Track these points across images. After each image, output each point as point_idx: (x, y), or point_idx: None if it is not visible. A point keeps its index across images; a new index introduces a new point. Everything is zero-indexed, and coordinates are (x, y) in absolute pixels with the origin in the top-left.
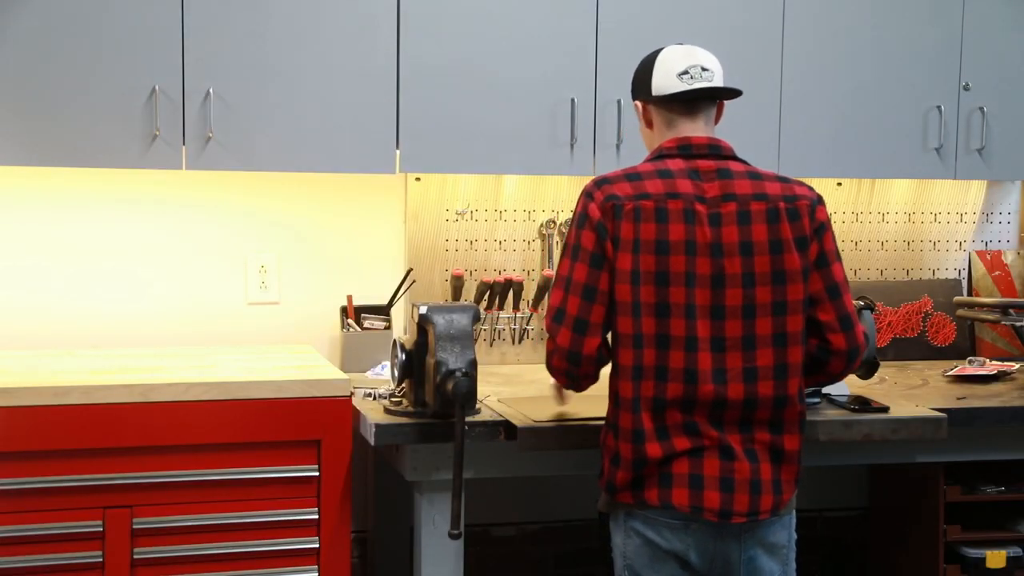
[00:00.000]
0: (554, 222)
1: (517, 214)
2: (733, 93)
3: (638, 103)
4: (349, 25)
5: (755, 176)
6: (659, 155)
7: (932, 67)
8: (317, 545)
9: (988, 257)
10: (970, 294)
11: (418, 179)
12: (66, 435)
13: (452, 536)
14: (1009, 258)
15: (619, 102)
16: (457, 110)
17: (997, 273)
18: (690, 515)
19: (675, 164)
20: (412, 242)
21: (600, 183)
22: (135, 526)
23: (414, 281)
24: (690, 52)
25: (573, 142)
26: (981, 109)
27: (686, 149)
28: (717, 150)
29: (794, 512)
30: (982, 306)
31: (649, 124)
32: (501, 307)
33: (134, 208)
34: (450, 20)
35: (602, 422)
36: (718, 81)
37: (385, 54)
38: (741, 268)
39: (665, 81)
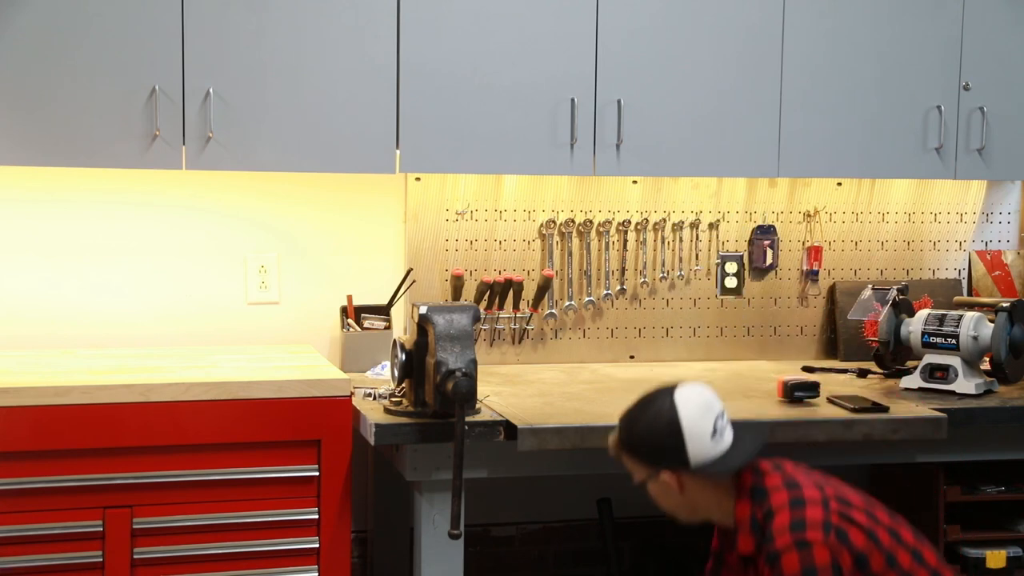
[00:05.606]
0: (554, 222)
1: (517, 214)
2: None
3: (666, 473)
4: (349, 25)
5: None
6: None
7: (932, 67)
8: (317, 545)
9: (988, 257)
10: (970, 294)
11: (418, 179)
12: (66, 435)
13: (452, 536)
14: (1009, 258)
15: (619, 102)
16: (457, 110)
17: (997, 273)
18: None
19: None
20: (412, 242)
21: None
22: (135, 526)
23: (414, 281)
24: (705, 402)
25: (573, 142)
26: (981, 109)
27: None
28: None
29: None
30: (982, 306)
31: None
32: (501, 307)
33: (134, 208)
34: (450, 20)
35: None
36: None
37: (385, 54)
38: None
39: (701, 448)
